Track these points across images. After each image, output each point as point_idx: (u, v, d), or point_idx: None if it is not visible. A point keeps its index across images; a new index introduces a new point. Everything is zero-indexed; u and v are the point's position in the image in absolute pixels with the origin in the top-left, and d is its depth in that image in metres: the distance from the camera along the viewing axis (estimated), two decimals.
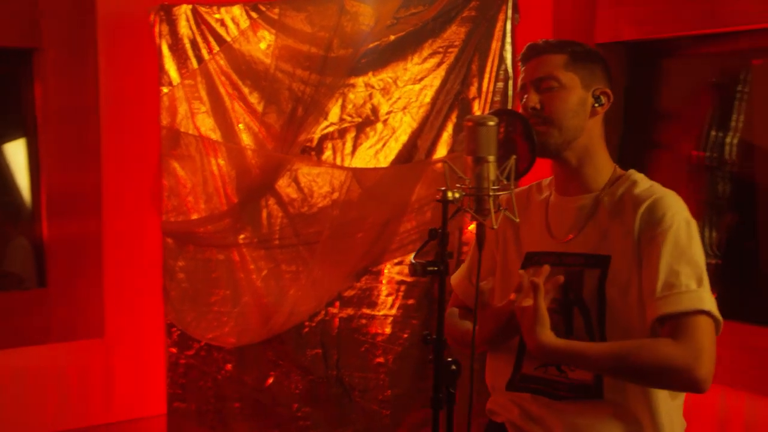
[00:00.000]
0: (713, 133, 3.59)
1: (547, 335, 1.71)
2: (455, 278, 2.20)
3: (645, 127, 3.66)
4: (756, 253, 3.68)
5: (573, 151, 1.92)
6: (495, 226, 1.58)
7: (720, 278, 3.60)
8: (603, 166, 1.95)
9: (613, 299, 1.83)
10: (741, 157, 3.58)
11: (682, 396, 1.89)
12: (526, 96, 1.92)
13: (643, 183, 1.90)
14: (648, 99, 3.61)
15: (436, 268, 1.53)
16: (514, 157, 1.63)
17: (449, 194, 1.53)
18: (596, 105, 1.93)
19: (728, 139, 3.59)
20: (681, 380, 1.70)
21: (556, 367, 1.91)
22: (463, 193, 1.57)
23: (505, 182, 1.61)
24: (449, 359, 1.56)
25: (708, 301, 1.73)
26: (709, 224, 3.63)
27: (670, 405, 1.86)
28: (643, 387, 1.83)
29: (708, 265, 3.54)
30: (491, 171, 1.58)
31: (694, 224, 1.82)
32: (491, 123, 1.59)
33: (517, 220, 1.63)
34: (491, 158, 1.59)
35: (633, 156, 3.52)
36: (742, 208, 3.69)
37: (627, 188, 1.90)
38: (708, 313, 1.72)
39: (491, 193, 1.57)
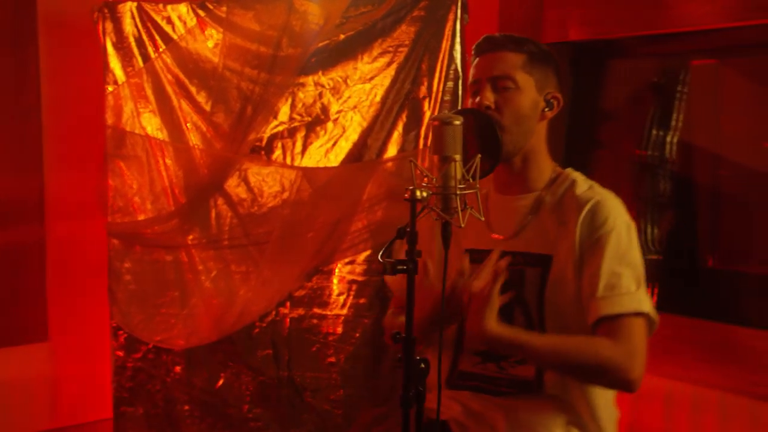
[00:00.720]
0: (654, 132, 3.68)
1: (494, 322, 1.74)
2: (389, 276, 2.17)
3: (590, 127, 3.73)
4: (695, 249, 3.78)
5: (519, 155, 1.96)
6: (462, 225, 1.59)
7: (661, 273, 3.69)
8: (545, 167, 1.99)
9: (553, 297, 1.87)
10: (681, 156, 3.67)
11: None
12: (480, 92, 1.93)
13: (582, 183, 1.94)
14: (593, 99, 3.68)
15: (405, 267, 1.54)
16: (479, 156, 1.65)
17: (418, 193, 1.54)
18: (546, 109, 1.96)
19: (669, 138, 3.68)
20: (615, 380, 1.78)
21: (495, 363, 1.93)
22: (431, 192, 1.59)
23: (471, 181, 1.63)
24: (418, 358, 1.57)
25: (646, 302, 1.80)
26: (651, 221, 3.72)
27: (606, 397, 1.91)
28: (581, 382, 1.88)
29: (649, 260, 3.65)
30: (458, 170, 1.60)
31: (633, 227, 1.88)
32: (457, 122, 1.61)
33: (482, 218, 1.64)
34: (457, 157, 1.60)
35: (578, 155, 3.58)
36: (681, 206, 3.79)
37: (567, 188, 1.93)
38: (645, 315, 1.79)
39: (458, 192, 1.59)
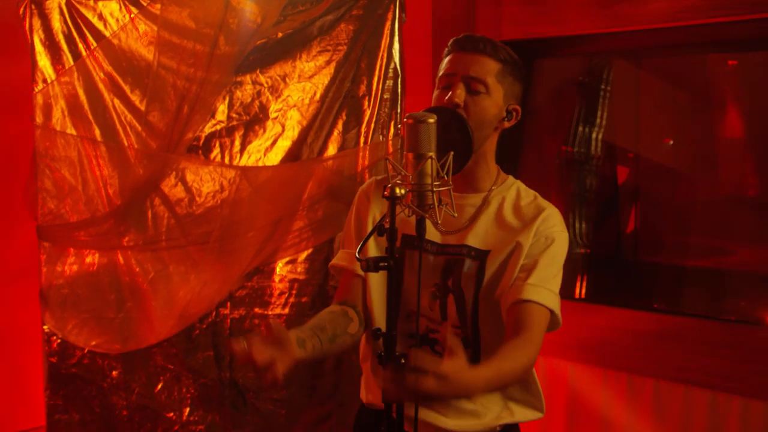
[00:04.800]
0: (581, 129, 3.79)
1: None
2: (336, 260, 2.15)
3: (520, 124, 3.81)
4: (619, 241, 3.91)
5: (472, 157, 2.00)
6: (439, 221, 1.62)
7: (588, 265, 3.81)
8: (492, 168, 2.07)
9: (487, 290, 1.95)
10: (605, 152, 3.80)
11: None
12: (452, 88, 1.94)
13: (527, 194, 2.05)
14: (524, 97, 3.76)
15: (386, 264, 1.55)
16: (452, 153, 1.68)
17: (398, 190, 1.55)
18: (505, 120, 2.02)
19: (594, 135, 3.80)
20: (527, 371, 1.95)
21: (429, 346, 2.00)
22: (408, 189, 1.60)
23: (445, 178, 1.65)
24: (398, 353, 1.59)
25: (558, 307, 1.94)
26: (579, 216, 3.83)
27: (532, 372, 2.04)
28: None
29: (578, 253, 3.75)
30: (432, 167, 1.62)
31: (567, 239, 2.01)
32: (431, 120, 1.63)
33: (455, 214, 1.67)
34: (432, 154, 1.62)
35: (509, 151, 3.65)
36: (607, 200, 3.92)
37: (514, 197, 2.03)
38: (554, 314, 1.93)
39: (434, 189, 1.61)
